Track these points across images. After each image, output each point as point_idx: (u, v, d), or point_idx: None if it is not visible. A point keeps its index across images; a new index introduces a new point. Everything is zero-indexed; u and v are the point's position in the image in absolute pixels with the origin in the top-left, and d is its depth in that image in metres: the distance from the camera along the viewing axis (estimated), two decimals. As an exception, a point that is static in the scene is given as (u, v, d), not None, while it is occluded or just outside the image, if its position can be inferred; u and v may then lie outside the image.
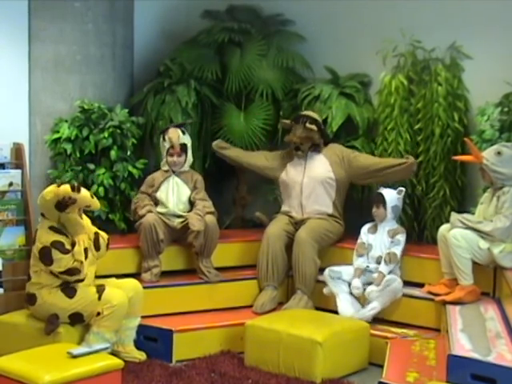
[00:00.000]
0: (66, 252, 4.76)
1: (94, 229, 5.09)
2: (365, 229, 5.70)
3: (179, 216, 5.71)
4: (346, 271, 5.54)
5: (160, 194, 5.76)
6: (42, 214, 4.93)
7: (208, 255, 5.71)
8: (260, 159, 6.16)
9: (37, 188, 5.62)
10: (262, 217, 6.18)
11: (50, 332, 4.76)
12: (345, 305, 5.44)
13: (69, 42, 6.14)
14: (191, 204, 5.78)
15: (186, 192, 5.80)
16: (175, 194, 5.77)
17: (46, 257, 4.76)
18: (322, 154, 5.93)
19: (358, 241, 5.67)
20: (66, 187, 4.81)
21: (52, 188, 4.87)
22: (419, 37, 5.99)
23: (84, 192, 4.88)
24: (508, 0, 5.72)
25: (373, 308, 5.34)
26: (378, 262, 5.50)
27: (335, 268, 5.55)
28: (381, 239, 5.58)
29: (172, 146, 5.74)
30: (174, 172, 5.80)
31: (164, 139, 5.78)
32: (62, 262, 4.73)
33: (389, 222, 5.61)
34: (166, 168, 5.82)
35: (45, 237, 4.81)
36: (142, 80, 6.59)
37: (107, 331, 4.80)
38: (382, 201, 5.59)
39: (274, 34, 6.63)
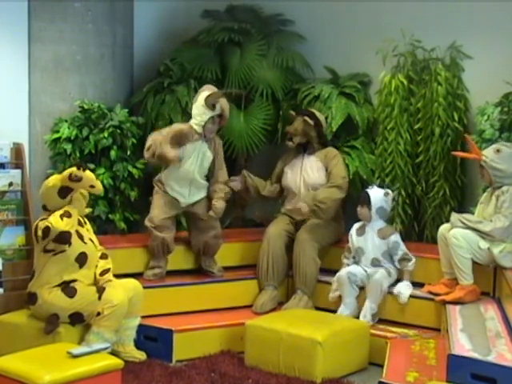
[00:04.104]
0: None
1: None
2: (353, 230, 5.63)
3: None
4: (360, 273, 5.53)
5: (184, 152, 5.52)
6: (44, 207, 4.94)
7: (212, 255, 5.76)
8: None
9: (37, 188, 5.61)
10: (261, 216, 6.17)
11: (49, 332, 4.75)
12: (346, 311, 5.46)
13: (68, 42, 6.15)
14: (208, 176, 5.70)
15: (208, 158, 5.64)
16: (199, 161, 5.59)
17: (35, 232, 4.81)
18: (318, 159, 5.89)
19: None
20: (72, 168, 4.87)
21: (55, 175, 4.95)
22: (419, 36, 6.00)
23: (89, 172, 4.92)
24: (508, 1, 5.72)
25: (367, 309, 5.37)
26: (374, 265, 5.46)
27: (353, 270, 5.51)
28: (372, 241, 5.51)
29: (220, 116, 5.57)
30: (205, 137, 5.62)
31: (213, 106, 5.50)
32: (39, 225, 4.75)
33: (376, 222, 5.51)
34: (200, 130, 5.56)
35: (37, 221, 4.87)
36: (141, 80, 6.59)
37: (107, 331, 4.80)
38: (366, 201, 5.48)
39: (274, 33, 6.64)
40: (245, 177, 5.95)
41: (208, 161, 5.67)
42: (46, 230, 4.72)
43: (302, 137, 5.90)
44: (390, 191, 5.56)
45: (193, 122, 5.58)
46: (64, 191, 4.86)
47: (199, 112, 5.55)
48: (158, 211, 5.58)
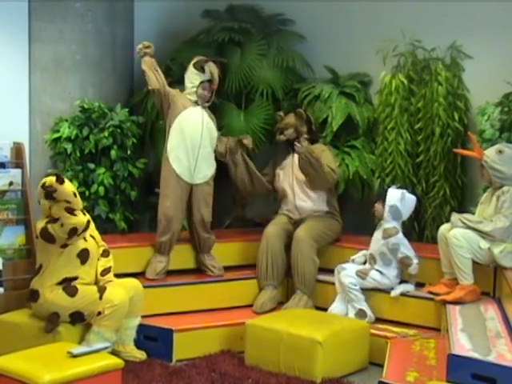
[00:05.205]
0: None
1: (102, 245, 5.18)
2: None
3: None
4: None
5: (187, 115, 5.60)
6: (39, 202, 4.97)
7: (208, 250, 5.75)
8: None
9: (37, 187, 5.62)
10: (261, 216, 6.19)
11: (50, 330, 4.75)
12: (337, 302, 5.49)
13: (68, 42, 6.16)
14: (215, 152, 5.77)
15: (214, 130, 5.73)
16: (205, 125, 5.64)
17: (47, 236, 4.77)
18: None
19: None
20: (53, 177, 4.85)
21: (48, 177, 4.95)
22: (419, 36, 6.00)
23: (68, 185, 4.87)
24: (508, 0, 5.72)
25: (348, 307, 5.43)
26: (370, 261, 5.47)
27: (344, 265, 5.53)
28: (376, 238, 5.51)
29: (210, 80, 5.64)
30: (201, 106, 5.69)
31: (203, 70, 5.62)
32: (60, 229, 4.75)
33: (389, 221, 5.47)
34: (194, 98, 5.66)
35: (40, 223, 4.85)
36: (142, 80, 6.54)
37: (108, 330, 4.81)
38: (382, 196, 5.47)
39: (274, 33, 6.64)
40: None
41: (214, 130, 5.71)
42: (73, 230, 4.74)
43: (294, 131, 5.90)
44: (407, 194, 5.44)
45: (186, 92, 5.68)
46: (48, 194, 4.84)
47: (190, 80, 5.67)
48: (169, 201, 5.57)
